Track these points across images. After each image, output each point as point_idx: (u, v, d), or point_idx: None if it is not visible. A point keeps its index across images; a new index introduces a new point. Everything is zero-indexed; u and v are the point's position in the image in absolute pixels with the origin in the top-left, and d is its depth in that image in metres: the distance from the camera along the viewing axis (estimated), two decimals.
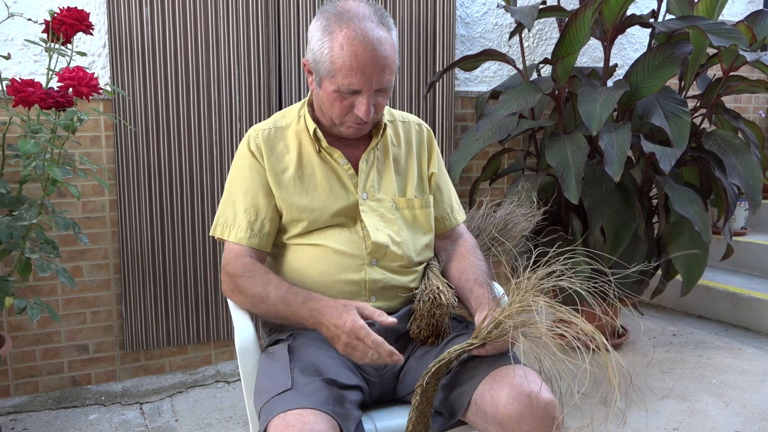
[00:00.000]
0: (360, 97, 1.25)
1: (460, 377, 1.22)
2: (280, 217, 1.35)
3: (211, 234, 1.39)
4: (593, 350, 1.05)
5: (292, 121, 1.39)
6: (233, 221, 1.34)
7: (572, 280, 1.12)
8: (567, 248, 1.23)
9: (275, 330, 1.39)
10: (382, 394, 1.35)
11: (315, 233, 1.33)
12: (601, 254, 2.41)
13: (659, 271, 2.72)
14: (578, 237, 2.50)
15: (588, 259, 2.12)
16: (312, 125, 1.35)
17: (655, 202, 2.73)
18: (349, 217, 1.35)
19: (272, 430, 1.05)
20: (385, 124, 1.40)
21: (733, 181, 2.40)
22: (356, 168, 1.37)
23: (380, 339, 1.12)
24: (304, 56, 1.43)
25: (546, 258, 1.16)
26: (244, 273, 1.29)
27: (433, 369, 1.15)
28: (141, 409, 2.25)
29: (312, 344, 1.28)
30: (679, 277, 2.63)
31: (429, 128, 1.50)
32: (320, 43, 1.23)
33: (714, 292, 3.19)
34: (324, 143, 1.35)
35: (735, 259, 3.23)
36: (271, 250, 1.38)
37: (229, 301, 1.44)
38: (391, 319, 1.17)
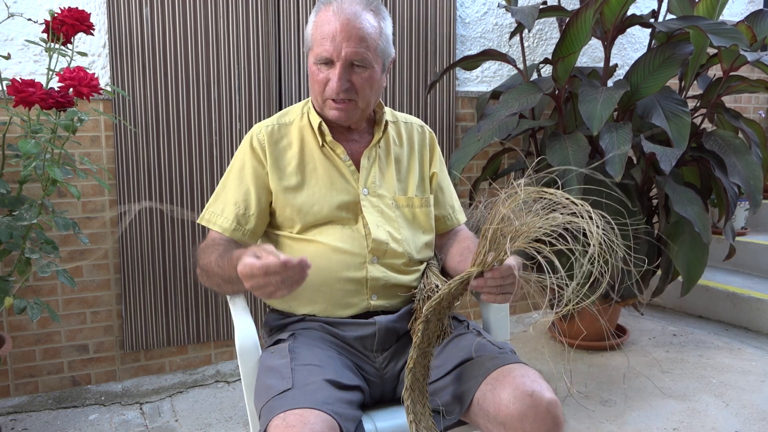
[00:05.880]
0: (333, 70, 1.28)
1: (462, 377, 1.22)
2: (273, 215, 1.36)
3: (197, 220, 1.39)
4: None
5: (296, 118, 1.41)
6: (221, 211, 1.35)
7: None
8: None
9: (276, 330, 1.39)
10: (382, 394, 1.35)
11: (316, 229, 1.33)
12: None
13: (659, 272, 2.72)
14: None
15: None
16: (317, 119, 1.36)
17: (655, 202, 2.72)
18: (351, 212, 1.35)
19: (272, 430, 1.05)
20: (387, 122, 1.40)
21: (734, 180, 2.39)
22: (357, 165, 1.38)
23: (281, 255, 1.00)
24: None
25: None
26: (204, 247, 1.31)
27: (434, 304, 1.13)
28: (141, 409, 2.25)
29: (312, 344, 1.29)
30: (679, 277, 2.63)
31: (431, 130, 1.51)
32: (309, 24, 1.32)
33: (714, 292, 3.19)
34: (328, 137, 1.36)
35: (735, 259, 3.23)
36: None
37: (228, 300, 1.44)
38: (282, 257, 1.00)
